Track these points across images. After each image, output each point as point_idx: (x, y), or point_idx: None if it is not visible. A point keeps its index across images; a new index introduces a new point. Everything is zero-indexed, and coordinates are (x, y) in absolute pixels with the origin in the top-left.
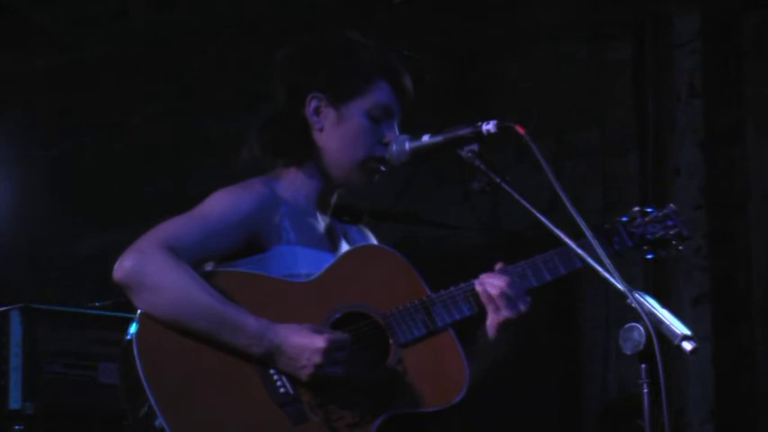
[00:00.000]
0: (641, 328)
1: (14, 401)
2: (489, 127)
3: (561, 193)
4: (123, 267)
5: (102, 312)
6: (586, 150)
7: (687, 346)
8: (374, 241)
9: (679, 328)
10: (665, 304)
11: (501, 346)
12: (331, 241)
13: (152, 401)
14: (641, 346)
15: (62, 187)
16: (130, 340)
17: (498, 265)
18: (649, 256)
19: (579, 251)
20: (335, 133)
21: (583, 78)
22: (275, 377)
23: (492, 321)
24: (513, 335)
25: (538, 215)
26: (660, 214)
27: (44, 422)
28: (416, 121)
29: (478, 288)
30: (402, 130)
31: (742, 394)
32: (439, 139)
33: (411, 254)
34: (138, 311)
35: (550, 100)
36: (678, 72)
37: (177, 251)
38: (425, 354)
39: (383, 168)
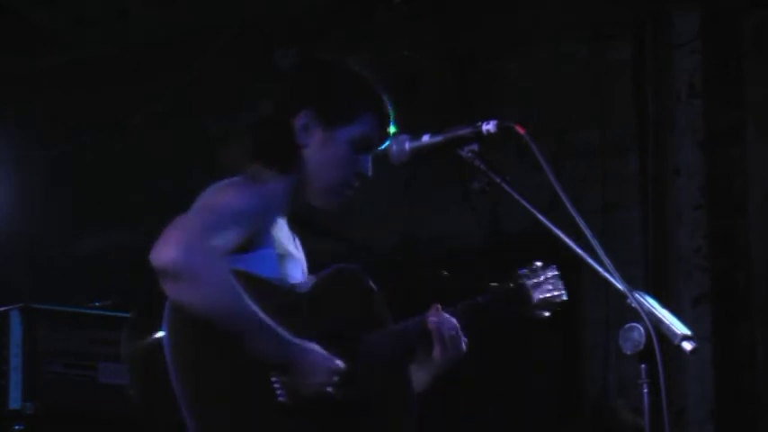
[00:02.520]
0: (641, 329)
1: (14, 401)
2: (489, 127)
3: (561, 193)
4: (168, 256)
5: (102, 312)
6: (586, 150)
7: (687, 346)
8: (300, 246)
9: (679, 328)
10: (665, 304)
11: (438, 373)
12: (294, 247)
13: (182, 393)
14: (641, 346)
15: (62, 187)
16: (147, 329)
17: (436, 306)
18: (533, 313)
19: (579, 251)
20: (318, 154)
21: (583, 78)
22: (276, 385)
23: (437, 358)
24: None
25: (538, 215)
26: (547, 276)
27: (44, 422)
28: (416, 121)
29: (432, 327)
30: (402, 131)
31: (742, 394)
32: (439, 139)
33: (409, 254)
34: (169, 303)
35: (550, 100)
36: (678, 72)
37: (216, 249)
38: (384, 382)
39: (349, 194)
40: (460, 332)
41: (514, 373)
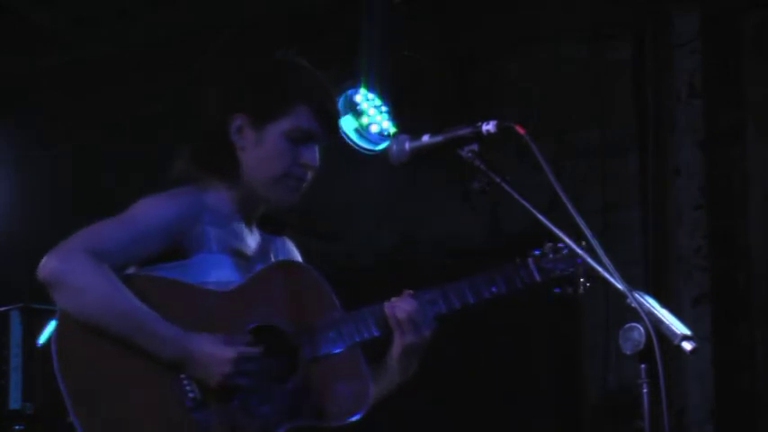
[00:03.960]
0: (641, 329)
1: (14, 401)
2: (489, 127)
3: (561, 193)
4: (47, 267)
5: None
6: (586, 150)
7: (687, 345)
8: (296, 252)
9: (679, 327)
10: (664, 304)
11: (406, 367)
12: (258, 252)
13: (65, 399)
14: (641, 346)
15: (62, 187)
16: (50, 339)
17: (407, 292)
18: (556, 291)
19: (579, 251)
20: (254, 153)
21: (583, 78)
22: (185, 382)
23: (398, 344)
24: (417, 359)
25: (538, 215)
26: (569, 251)
27: (44, 422)
28: (417, 121)
29: (387, 311)
30: (402, 130)
31: (742, 394)
32: (439, 139)
33: (409, 254)
34: (58, 311)
35: (550, 100)
36: (678, 72)
37: (100, 255)
38: (332, 370)
39: (303, 185)
40: (422, 315)
41: (514, 374)
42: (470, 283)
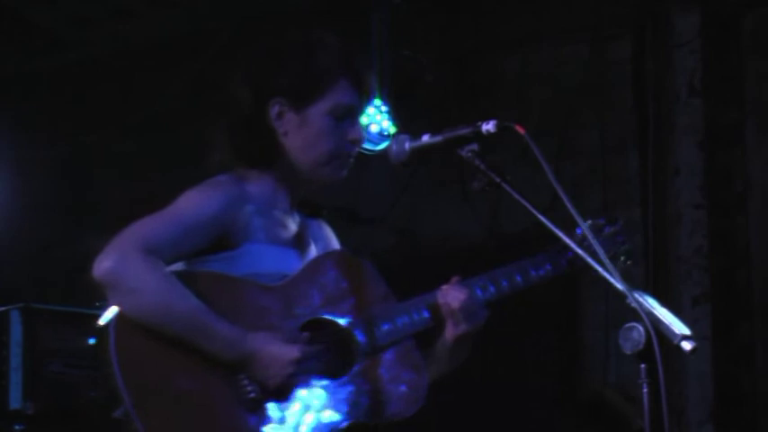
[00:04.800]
0: (641, 328)
1: (15, 401)
2: (489, 127)
3: (561, 193)
4: (101, 268)
5: (102, 312)
6: (586, 150)
7: (686, 345)
8: (333, 236)
9: (678, 327)
10: (664, 304)
11: (457, 356)
12: (298, 238)
13: (126, 403)
14: (641, 346)
15: (63, 187)
16: (106, 339)
17: (455, 279)
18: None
19: (579, 251)
20: (299, 136)
21: (583, 78)
22: (245, 382)
23: (450, 334)
24: (470, 346)
25: (538, 215)
26: (612, 230)
27: (44, 422)
28: (417, 120)
29: (440, 300)
30: (402, 130)
31: (742, 394)
32: (439, 138)
33: (409, 253)
34: (114, 311)
35: (550, 99)
36: (678, 72)
37: (154, 252)
38: (389, 363)
39: (351, 161)
40: (475, 303)
41: (514, 373)
42: (519, 268)
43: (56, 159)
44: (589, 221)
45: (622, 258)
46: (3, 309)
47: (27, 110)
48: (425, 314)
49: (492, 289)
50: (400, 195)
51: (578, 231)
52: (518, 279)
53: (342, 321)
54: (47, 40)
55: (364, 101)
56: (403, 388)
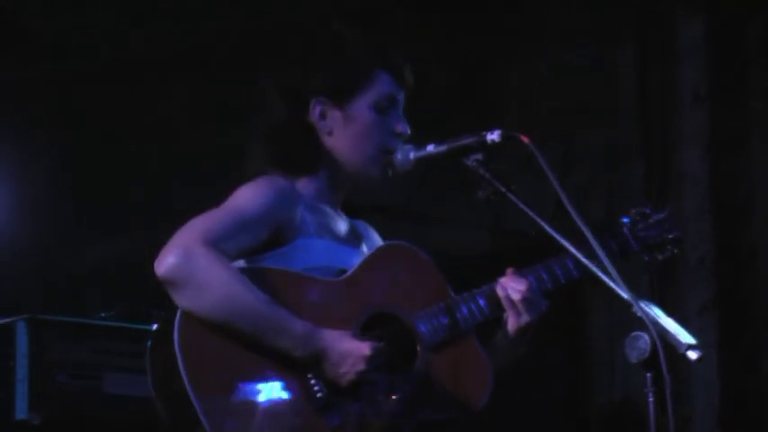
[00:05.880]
0: (647, 337)
1: (21, 412)
2: (494, 136)
3: (566, 202)
4: (167, 263)
5: (108, 323)
6: (591, 158)
7: (692, 354)
8: (378, 238)
9: (684, 336)
10: (670, 312)
11: (519, 348)
12: (350, 235)
13: (196, 407)
14: (647, 355)
15: (69, 196)
16: (169, 338)
17: (509, 270)
18: (646, 258)
19: (584, 260)
20: (345, 133)
21: (587, 86)
22: (313, 381)
23: (513, 325)
24: (532, 336)
25: (543, 224)
26: (660, 218)
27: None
28: (422, 128)
29: (500, 292)
30: (406, 139)
31: (748, 402)
32: (443, 148)
33: None
34: (179, 309)
35: (555, 107)
36: (683, 79)
37: (216, 245)
38: (451, 357)
39: (391, 158)
40: (535, 292)
41: (521, 382)
42: (573, 258)
43: (62, 168)
44: (633, 210)
45: (669, 247)
46: (9, 320)
47: (28, 120)
48: (484, 306)
49: (547, 280)
50: (404, 203)
51: (625, 220)
52: (573, 270)
53: (403, 315)
54: (50, 48)
55: (406, 89)
56: (468, 381)
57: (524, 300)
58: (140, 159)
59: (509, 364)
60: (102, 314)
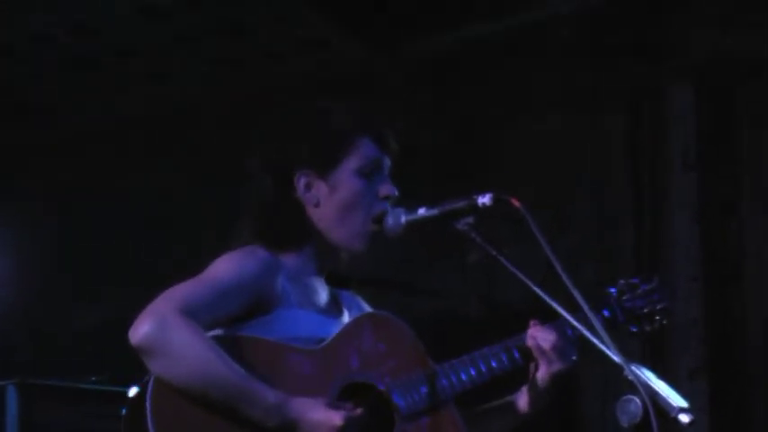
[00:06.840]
0: (638, 401)
1: None
2: (485, 200)
3: (557, 266)
4: (142, 332)
5: (98, 387)
6: (582, 222)
7: (684, 418)
8: (367, 307)
9: (676, 400)
10: (661, 376)
11: (547, 397)
12: (331, 305)
13: None
14: (638, 419)
15: (60, 260)
16: (142, 406)
17: (533, 322)
18: (633, 330)
19: (576, 324)
20: (331, 203)
21: (578, 150)
22: None
23: (544, 373)
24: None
25: (534, 288)
26: (648, 288)
27: None
28: (412, 190)
29: (530, 342)
30: (398, 202)
31: None
32: (435, 212)
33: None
34: (151, 377)
35: (546, 171)
36: (673, 144)
37: (192, 315)
38: (428, 426)
39: (377, 228)
40: (565, 341)
41: None
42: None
43: (54, 231)
44: (621, 281)
45: (657, 318)
46: None
47: (24, 185)
48: (511, 358)
49: (569, 332)
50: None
51: (612, 291)
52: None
53: (380, 385)
54: (44, 113)
55: (390, 153)
56: None
57: (555, 348)
58: (137, 224)
59: (534, 411)
60: (93, 378)
